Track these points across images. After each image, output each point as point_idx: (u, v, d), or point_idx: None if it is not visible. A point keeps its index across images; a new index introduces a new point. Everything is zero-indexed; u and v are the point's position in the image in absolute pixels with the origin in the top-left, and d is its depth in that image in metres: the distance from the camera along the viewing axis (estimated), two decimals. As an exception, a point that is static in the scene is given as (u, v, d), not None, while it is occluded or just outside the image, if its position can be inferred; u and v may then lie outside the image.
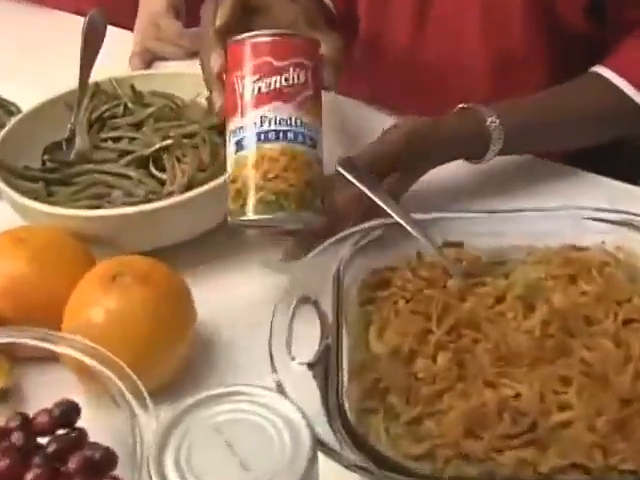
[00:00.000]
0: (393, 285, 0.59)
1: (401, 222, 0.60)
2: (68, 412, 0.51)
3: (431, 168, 0.69)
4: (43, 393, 0.57)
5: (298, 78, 0.58)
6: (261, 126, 0.58)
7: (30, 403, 0.57)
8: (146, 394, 0.46)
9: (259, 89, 0.58)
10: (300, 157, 0.57)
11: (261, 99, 0.58)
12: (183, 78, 0.86)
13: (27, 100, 0.92)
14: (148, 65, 1.04)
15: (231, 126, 0.59)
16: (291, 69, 0.58)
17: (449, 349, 0.53)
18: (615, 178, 0.78)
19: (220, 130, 0.76)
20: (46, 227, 0.66)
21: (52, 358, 0.57)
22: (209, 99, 0.76)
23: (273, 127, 0.57)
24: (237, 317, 0.63)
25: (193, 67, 1.00)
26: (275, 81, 0.58)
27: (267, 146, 0.57)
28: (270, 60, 0.58)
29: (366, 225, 0.60)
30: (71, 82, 0.85)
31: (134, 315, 0.56)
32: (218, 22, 0.62)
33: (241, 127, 0.58)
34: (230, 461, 0.39)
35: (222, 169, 0.67)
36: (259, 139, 0.57)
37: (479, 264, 0.60)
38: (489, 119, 0.71)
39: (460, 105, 0.73)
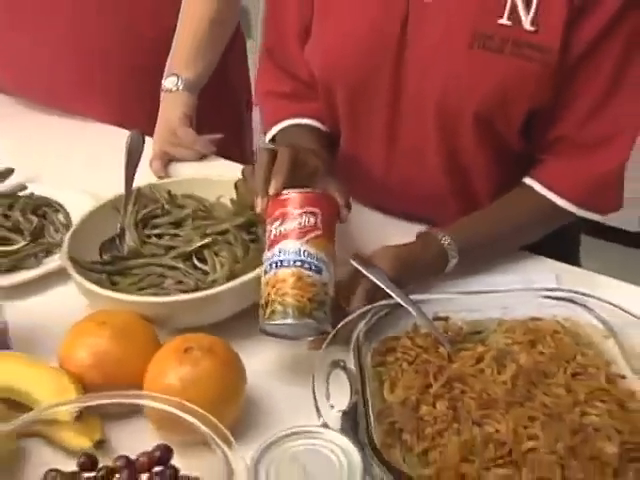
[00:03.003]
0: (397, 351, 0.77)
1: (402, 303, 0.79)
2: (164, 453, 0.67)
3: (413, 284, 0.86)
4: (128, 441, 0.73)
5: (308, 222, 0.79)
6: (279, 256, 0.79)
7: (120, 450, 0.72)
8: (231, 437, 0.63)
9: (280, 231, 0.80)
10: (305, 279, 0.77)
11: (281, 237, 0.80)
12: (208, 182, 1.04)
13: (71, 201, 1.10)
14: (166, 166, 1.23)
15: (263, 257, 0.81)
16: (304, 216, 0.80)
17: (445, 398, 0.71)
18: (559, 256, 0.98)
19: (246, 228, 0.95)
20: (119, 311, 0.82)
21: (134, 413, 0.74)
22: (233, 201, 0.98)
23: (285, 257, 0.78)
24: (282, 378, 0.81)
25: (208, 169, 1.20)
26: (291, 224, 0.80)
27: (281, 270, 0.78)
28: (290, 210, 0.80)
29: (375, 305, 0.79)
30: (106, 185, 1.04)
31: (202, 380, 0.73)
32: (274, 184, 0.82)
33: (267, 258, 0.80)
34: (306, 480, 0.56)
35: (254, 262, 0.86)
36: (277, 265, 0.78)
37: (461, 333, 0.79)
38: (444, 240, 0.90)
39: (418, 232, 0.92)
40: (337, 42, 1.00)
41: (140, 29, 1.35)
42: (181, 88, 1.25)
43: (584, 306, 0.78)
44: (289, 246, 0.78)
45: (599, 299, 0.77)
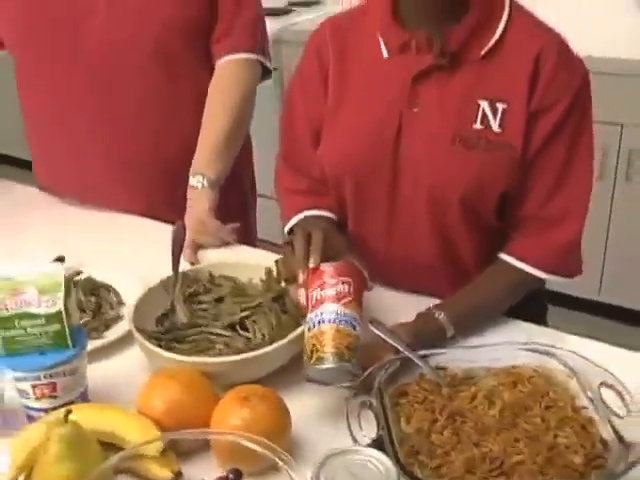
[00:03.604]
0: (409, 394, 0.98)
1: (411, 356, 1.00)
2: (236, 476, 0.86)
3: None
4: (199, 474, 0.92)
5: (343, 289, 1.01)
6: (320, 315, 1.00)
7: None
8: (291, 459, 0.83)
9: (321, 295, 1.01)
10: (342, 331, 0.99)
11: (321, 301, 1.01)
12: (238, 266, 1.26)
13: (118, 283, 1.31)
14: (196, 252, 1.44)
15: (306, 317, 1.02)
16: (340, 284, 1.02)
17: (449, 428, 0.92)
18: (531, 320, 1.21)
19: (277, 300, 1.16)
20: (182, 368, 1.02)
21: (202, 450, 0.93)
22: (262, 280, 1.19)
23: (326, 316, 1.00)
24: (318, 418, 1.01)
25: (231, 254, 1.41)
26: (329, 291, 1.02)
27: (323, 326, 0.99)
28: (328, 279, 1.02)
29: (391, 359, 1.00)
30: (141, 267, 1.26)
31: (259, 420, 0.92)
32: (312, 261, 1.05)
33: (311, 317, 1.01)
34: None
35: (286, 327, 1.07)
36: (319, 322, 1.00)
37: (458, 379, 1.00)
38: (440, 318, 1.12)
39: (418, 312, 1.13)
40: (344, 145, 1.24)
41: (167, 134, 1.58)
42: (206, 185, 1.48)
43: (552, 355, 1.00)
44: (329, 308, 0.99)
45: (562, 349, 1.00)
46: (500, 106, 1.14)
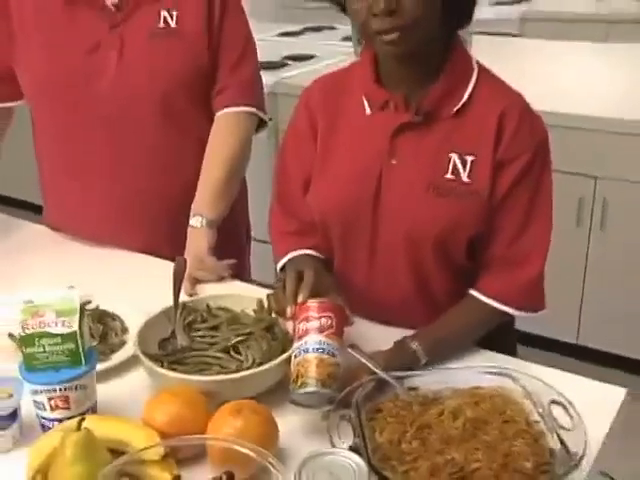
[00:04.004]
0: (383, 410, 1.10)
1: (386, 377, 1.13)
2: (229, 477, 0.98)
3: None
4: (196, 478, 1.04)
5: (326, 322, 1.14)
6: (305, 345, 1.13)
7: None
8: (279, 464, 0.95)
9: (306, 328, 1.14)
10: (325, 361, 1.11)
11: (306, 332, 1.14)
12: (232, 298, 1.39)
13: (122, 312, 1.44)
14: (194, 286, 1.57)
15: (293, 346, 1.15)
16: (323, 318, 1.15)
17: (417, 438, 1.04)
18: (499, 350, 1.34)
19: (267, 329, 1.29)
20: (183, 387, 1.14)
21: (199, 458, 1.05)
22: (255, 310, 1.32)
23: (310, 346, 1.13)
24: (302, 431, 1.13)
25: (226, 288, 1.53)
26: (314, 324, 1.14)
27: (307, 355, 1.12)
28: (313, 314, 1.15)
29: (367, 379, 1.12)
30: (142, 298, 1.38)
31: (250, 431, 1.04)
32: (301, 297, 1.20)
33: (296, 346, 1.14)
34: None
35: (275, 353, 1.20)
36: (305, 351, 1.13)
37: (428, 398, 1.13)
38: (415, 347, 1.25)
39: (395, 340, 1.26)
40: (332, 192, 1.38)
41: (171, 178, 1.72)
42: (204, 225, 1.62)
43: (510, 377, 1.13)
44: (313, 338, 1.12)
45: (519, 372, 1.13)
46: (469, 158, 1.28)
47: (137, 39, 1.65)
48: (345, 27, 3.89)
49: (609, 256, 2.76)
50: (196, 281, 1.57)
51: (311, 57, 3.56)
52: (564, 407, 1.04)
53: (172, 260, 1.51)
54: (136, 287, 1.54)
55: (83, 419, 1.02)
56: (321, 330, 1.13)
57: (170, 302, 1.36)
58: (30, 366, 1.11)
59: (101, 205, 1.76)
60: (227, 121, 1.71)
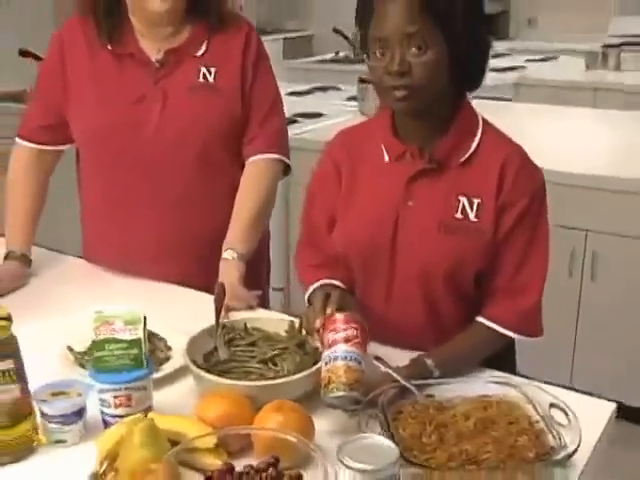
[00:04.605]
0: (404, 412, 1.27)
1: (407, 385, 1.30)
2: (275, 461, 1.14)
3: None
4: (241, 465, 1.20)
5: (352, 334, 1.31)
6: (335, 353, 1.30)
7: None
8: (320, 451, 1.11)
9: (334, 338, 1.31)
10: (351, 367, 1.28)
11: (334, 342, 1.31)
12: (265, 320, 1.57)
13: (165, 333, 1.60)
14: (227, 314, 1.73)
15: (323, 355, 1.31)
16: (349, 330, 1.31)
17: (435, 434, 1.21)
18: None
19: (299, 345, 1.46)
20: (227, 390, 1.31)
21: (245, 450, 1.21)
22: (286, 331, 1.50)
23: (339, 354, 1.29)
24: (333, 426, 1.29)
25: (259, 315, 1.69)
26: (341, 335, 1.31)
27: (336, 362, 1.29)
28: (340, 325, 1.32)
29: (389, 386, 1.30)
30: (186, 325, 1.55)
31: (291, 425, 1.21)
32: (329, 310, 1.37)
33: (326, 355, 1.31)
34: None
35: (306, 365, 1.37)
36: (334, 359, 1.29)
37: (442, 404, 1.30)
38: (427, 361, 1.42)
39: (411, 358, 1.44)
40: (354, 231, 1.57)
41: (204, 219, 1.91)
42: (236, 258, 1.80)
43: (514, 386, 1.30)
44: (341, 348, 1.29)
45: (523, 382, 1.30)
46: (475, 201, 1.48)
47: (178, 92, 1.86)
48: (350, 87, 4.14)
49: (599, 306, 2.94)
50: (229, 309, 1.74)
51: (319, 115, 3.80)
52: (562, 409, 1.21)
53: (203, 291, 1.70)
54: (172, 313, 1.70)
55: (149, 410, 1.19)
56: (347, 340, 1.30)
57: (204, 325, 1.53)
58: (99, 367, 1.28)
59: (138, 241, 1.94)
60: (257, 166, 1.91)
